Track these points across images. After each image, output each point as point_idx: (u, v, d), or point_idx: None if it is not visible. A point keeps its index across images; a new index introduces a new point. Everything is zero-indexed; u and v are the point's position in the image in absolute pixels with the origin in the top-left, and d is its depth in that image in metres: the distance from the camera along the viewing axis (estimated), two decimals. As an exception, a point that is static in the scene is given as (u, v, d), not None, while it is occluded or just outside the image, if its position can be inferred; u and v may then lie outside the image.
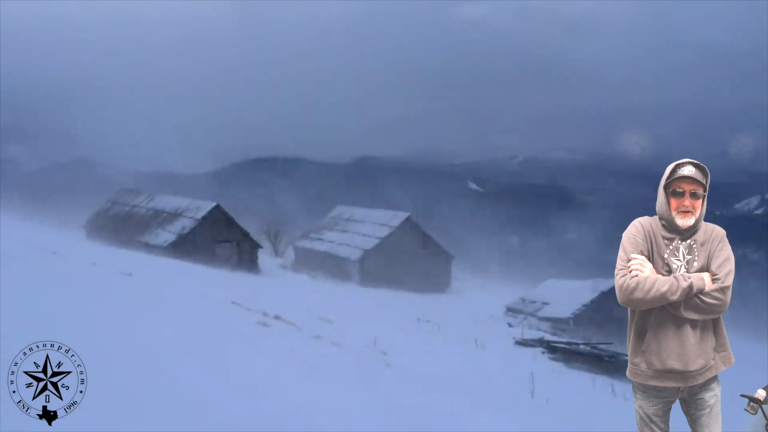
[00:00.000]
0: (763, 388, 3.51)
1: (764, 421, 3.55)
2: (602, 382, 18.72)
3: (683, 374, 3.27)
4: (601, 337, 28.66)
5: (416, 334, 20.36)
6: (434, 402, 10.26)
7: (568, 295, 37.22)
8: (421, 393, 10.86)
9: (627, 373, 3.47)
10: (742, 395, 3.47)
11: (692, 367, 3.25)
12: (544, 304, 36.97)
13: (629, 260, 3.27)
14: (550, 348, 22.36)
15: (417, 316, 24.08)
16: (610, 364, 21.23)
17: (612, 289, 32.25)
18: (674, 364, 3.25)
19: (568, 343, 24.14)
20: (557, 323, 34.64)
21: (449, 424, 8.95)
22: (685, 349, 3.23)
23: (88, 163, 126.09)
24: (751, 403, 3.46)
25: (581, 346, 23.39)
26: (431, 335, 20.81)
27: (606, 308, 35.51)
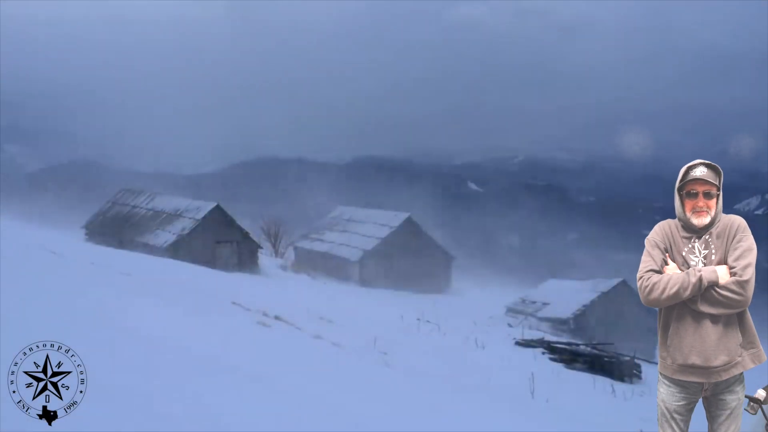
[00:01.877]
0: (763, 388, 3.51)
1: (764, 421, 3.55)
2: (602, 382, 18.72)
3: (705, 369, 3.27)
4: (601, 338, 28.69)
5: (416, 334, 20.35)
6: (434, 402, 10.26)
7: (568, 295, 37.21)
8: (422, 393, 10.87)
9: (658, 366, 3.53)
10: (742, 395, 3.46)
11: (714, 363, 3.25)
12: (545, 304, 36.96)
13: (649, 263, 3.37)
14: (550, 348, 22.34)
15: (417, 316, 24.06)
16: (610, 364, 21.22)
17: (612, 290, 32.47)
18: (695, 359, 3.26)
19: (568, 344, 24.12)
20: (557, 323, 34.64)
21: (449, 424, 8.94)
22: (705, 345, 3.24)
23: (88, 163, 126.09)
24: (751, 403, 3.45)
25: (581, 347, 23.38)
26: (431, 335, 20.80)
27: (606, 308, 35.54)
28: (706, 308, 3.22)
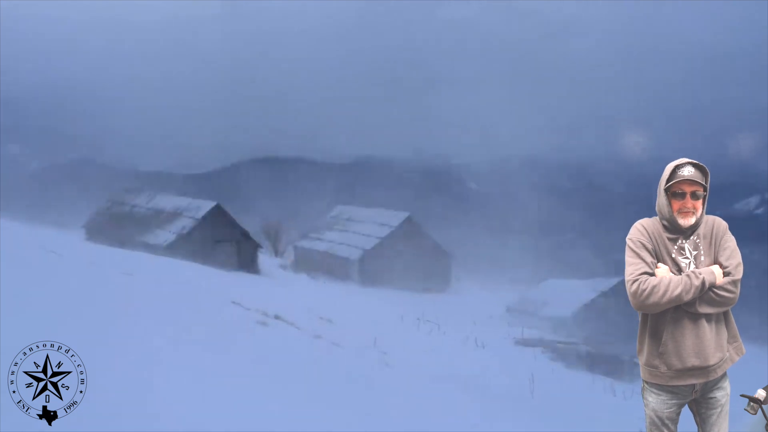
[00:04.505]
0: (763, 388, 3.51)
1: (764, 421, 3.54)
2: (602, 382, 18.74)
3: (704, 370, 3.26)
4: (601, 337, 28.68)
5: (416, 334, 20.36)
6: (434, 402, 10.26)
7: (568, 295, 37.23)
8: (421, 393, 10.87)
9: (643, 375, 3.42)
10: (742, 395, 3.46)
11: (711, 362, 3.25)
12: (544, 304, 36.98)
13: (641, 266, 3.24)
14: (550, 348, 22.36)
15: (417, 316, 24.07)
16: (610, 364, 21.25)
17: (611, 289, 32.39)
18: (694, 361, 3.24)
19: (568, 343, 24.14)
20: (557, 323, 34.64)
21: (449, 423, 8.94)
22: (703, 345, 3.24)
23: (88, 163, 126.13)
24: (751, 403, 3.44)
25: (581, 346, 23.40)
26: (431, 335, 20.81)
27: (606, 308, 35.54)
28: (704, 309, 3.20)
